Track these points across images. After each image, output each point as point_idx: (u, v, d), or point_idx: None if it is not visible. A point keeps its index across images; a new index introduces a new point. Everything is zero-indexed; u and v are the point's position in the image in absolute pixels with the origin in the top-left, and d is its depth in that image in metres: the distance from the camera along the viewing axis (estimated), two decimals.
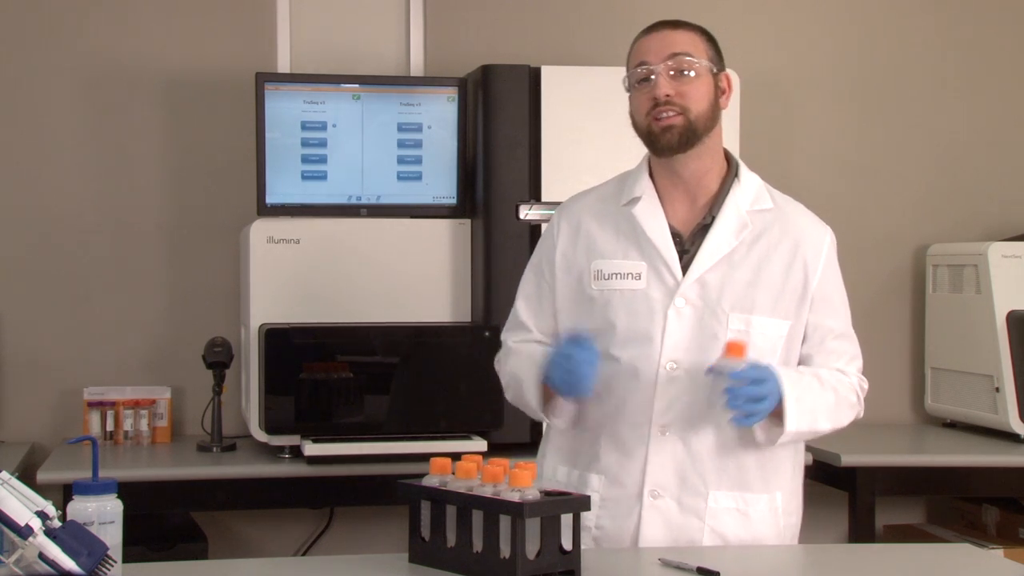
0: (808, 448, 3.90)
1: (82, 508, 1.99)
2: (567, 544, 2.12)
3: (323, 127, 3.83)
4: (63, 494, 3.12)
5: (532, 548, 2.08)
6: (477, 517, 2.12)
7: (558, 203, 2.68)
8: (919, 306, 4.61)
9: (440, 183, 3.90)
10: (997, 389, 4.11)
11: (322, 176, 3.83)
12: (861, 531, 3.86)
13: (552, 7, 4.35)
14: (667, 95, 2.35)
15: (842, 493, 4.00)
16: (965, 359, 4.29)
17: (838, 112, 4.60)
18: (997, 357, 4.10)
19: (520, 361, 2.48)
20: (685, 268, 2.39)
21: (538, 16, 4.33)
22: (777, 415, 2.33)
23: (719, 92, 2.42)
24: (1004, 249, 4.19)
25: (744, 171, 2.48)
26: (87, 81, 4.16)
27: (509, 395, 2.55)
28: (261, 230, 3.74)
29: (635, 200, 2.45)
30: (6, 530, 1.85)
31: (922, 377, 4.58)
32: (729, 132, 3.84)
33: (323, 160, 3.83)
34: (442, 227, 3.82)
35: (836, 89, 4.60)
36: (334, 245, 3.77)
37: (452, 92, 3.90)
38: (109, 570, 1.89)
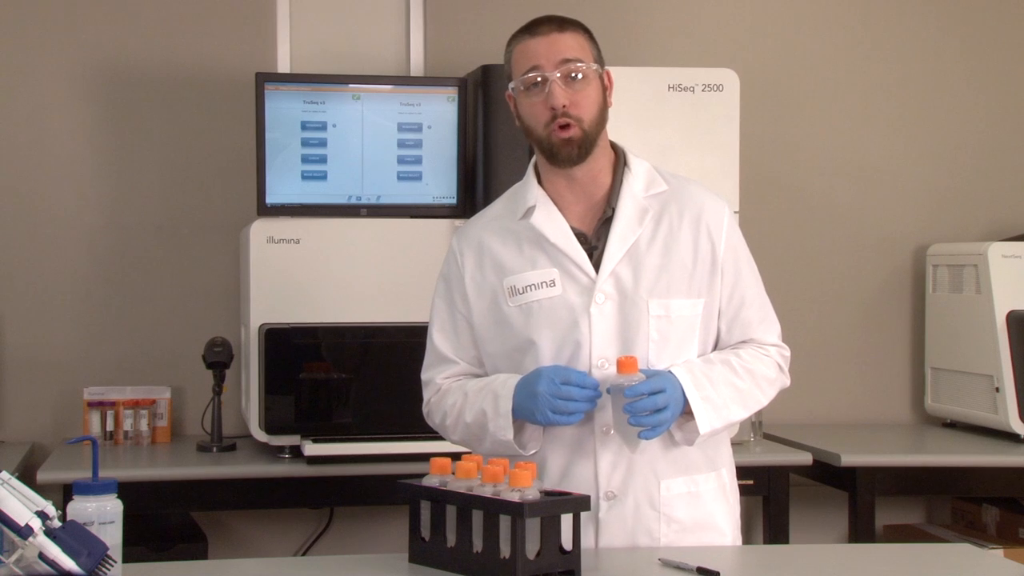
0: (808, 448, 3.93)
1: (82, 508, 1.99)
2: (567, 544, 2.12)
3: (323, 127, 3.83)
4: (63, 494, 3.13)
5: (532, 548, 2.08)
6: (477, 517, 2.12)
7: None
8: (919, 306, 4.61)
9: (440, 183, 3.90)
10: (997, 389, 4.11)
11: (322, 176, 3.83)
12: (861, 531, 3.87)
13: (552, 8, 4.33)
14: (564, 104, 2.35)
15: (842, 493, 4.00)
16: (965, 359, 4.29)
17: (838, 112, 4.61)
18: (997, 357, 4.10)
19: (472, 398, 2.41)
20: (596, 265, 2.39)
21: (538, 16, 4.32)
22: (691, 413, 2.33)
23: (604, 90, 2.43)
24: (1004, 249, 4.19)
25: (632, 158, 2.48)
26: (87, 81, 4.16)
27: (456, 435, 2.47)
28: (261, 230, 3.74)
29: (530, 210, 2.44)
30: (6, 530, 1.85)
31: (922, 377, 4.58)
32: (729, 132, 3.90)
33: (323, 160, 3.83)
34: (442, 227, 3.82)
35: (836, 89, 4.60)
36: (334, 245, 3.77)
37: (452, 92, 3.90)
38: (109, 570, 1.90)
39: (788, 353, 2.51)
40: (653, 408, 2.25)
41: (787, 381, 2.51)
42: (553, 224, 2.42)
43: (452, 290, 2.49)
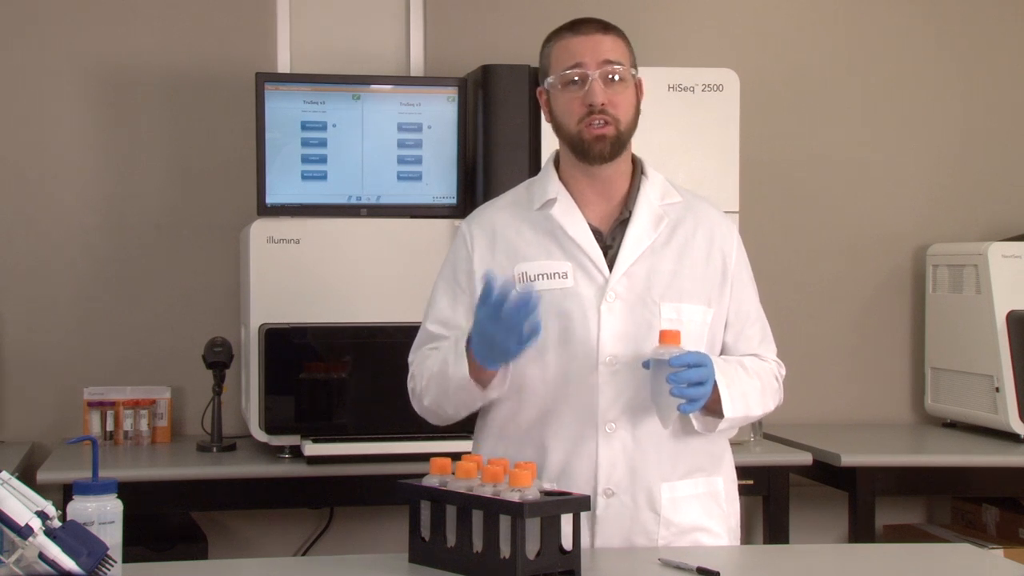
0: (808, 448, 3.93)
1: (82, 508, 1.99)
2: (567, 544, 2.12)
3: (323, 127, 3.83)
4: (63, 494, 3.12)
5: (532, 548, 2.08)
6: (477, 517, 2.12)
7: None
8: (919, 306, 4.61)
9: (440, 183, 3.90)
10: (997, 389, 4.11)
11: (322, 176, 3.83)
12: (861, 531, 3.87)
13: (552, 7, 4.34)
14: (603, 103, 2.37)
15: (842, 493, 4.00)
16: (965, 359, 4.29)
17: (838, 112, 4.60)
18: (997, 357, 4.10)
19: (437, 353, 2.40)
20: (610, 263, 2.40)
21: (538, 16, 4.32)
22: (709, 403, 2.34)
23: (638, 96, 2.45)
24: (1004, 249, 4.19)
25: (649, 168, 2.50)
26: (87, 81, 4.16)
27: (428, 397, 2.42)
28: (261, 230, 3.74)
29: (550, 202, 2.45)
30: (6, 530, 1.85)
31: (922, 377, 4.58)
32: (729, 132, 3.90)
33: (323, 160, 3.83)
34: (442, 227, 3.82)
35: (836, 89, 4.60)
36: (334, 245, 3.77)
37: (452, 92, 3.90)
38: (109, 570, 1.90)
39: (784, 371, 2.54)
40: (695, 380, 2.26)
41: (782, 397, 2.54)
42: (572, 218, 2.43)
43: (457, 270, 2.49)
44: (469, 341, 2.30)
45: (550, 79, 2.43)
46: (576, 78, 2.38)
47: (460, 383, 2.34)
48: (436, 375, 2.40)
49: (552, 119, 2.45)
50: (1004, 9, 4.71)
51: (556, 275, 2.40)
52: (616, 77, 2.38)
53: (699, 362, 2.28)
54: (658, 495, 2.38)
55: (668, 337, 2.29)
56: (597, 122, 2.37)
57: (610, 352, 2.37)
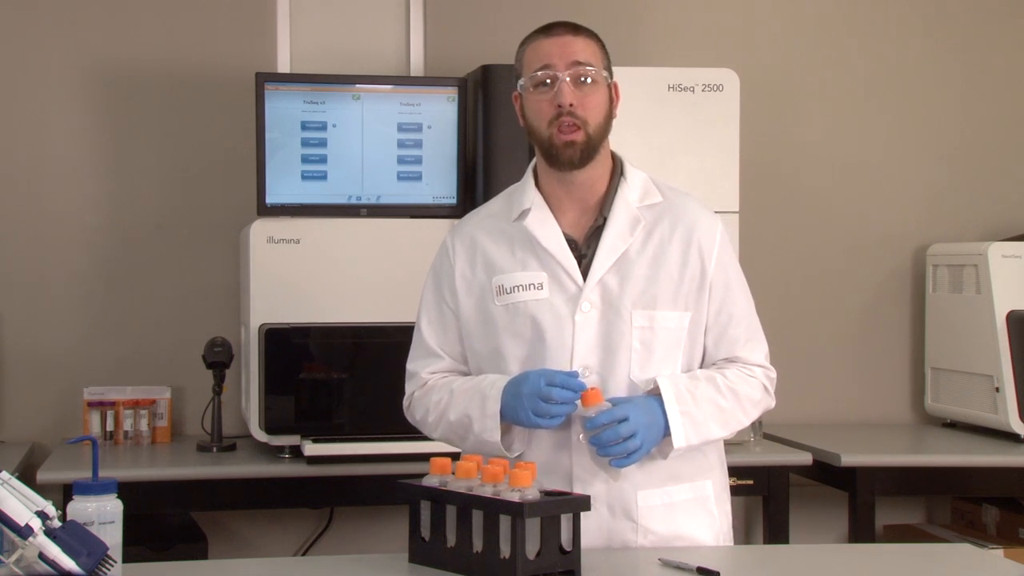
0: (808, 448, 3.93)
1: (82, 508, 1.99)
2: (567, 544, 2.12)
3: (323, 127, 3.83)
4: (63, 494, 3.13)
5: (532, 548, 2.08)
6: (477, 517, 2.12)
7: None
8: (919, 306, 4.61)
9: (440, 183, 3.90)
10: (997, 389, 4.11)
11: (322, 176, 3.83)
12: (861, 531, 3.87)
13: (552, 7, 4.34)
14: (571, 104, 2.35)
15: (842, 493, 4.00)
16: (965, 359, 4.29)
17: (838, 112, 4.61)
18: (997, 357, 4.10)
19: (457, 397, 2.41)
20: (584, 272, 2.40)
21: (538, 16, 4.30)
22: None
23: (611, 100, 2.43)
24: (1004, 249, 4.19)
25: (629, 168, 2.48)
26: (87, 81, 4.16)
27: (437, 433, 2.48)
28: (261, 230, 3.74)
29: (525, 212, 2.45)
30: (6, 530, 1.85)
31: (922, 377, 4.58)
32: (729, 132, 3.90)
33: (323, 160, 3.83)
34: (442, 227, 3.81)
35: (836, 89, 4.61)
36: (334, 245, 3.77)
37: (452, 92, 3.90)
38: (109, 570, 1.90)
39: (774, 375, 2.49)
40: (617, 438, 2.24)
41: (772, 403, 2.50)
42: (546, 229, 2.42)
43: (441, 284, 2.50)
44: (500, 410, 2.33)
45: (521, 81, 2.42)
46: (547, 80, 2.37)
47: (488, 444, 2.36)
48: (455, 424, 2.41)
49: (525, 122, 2.44)
50: (1004, 9, 4.71)
51: (531, 286, 2.41)
52: (587, 79, 2.37)
53: (620, 417, 2.25)
54: (635, 505, 2.37)
55: (588, 398, 2.27)
56: (567, 124, 2.35)
57: (583, 363, 2.36)
